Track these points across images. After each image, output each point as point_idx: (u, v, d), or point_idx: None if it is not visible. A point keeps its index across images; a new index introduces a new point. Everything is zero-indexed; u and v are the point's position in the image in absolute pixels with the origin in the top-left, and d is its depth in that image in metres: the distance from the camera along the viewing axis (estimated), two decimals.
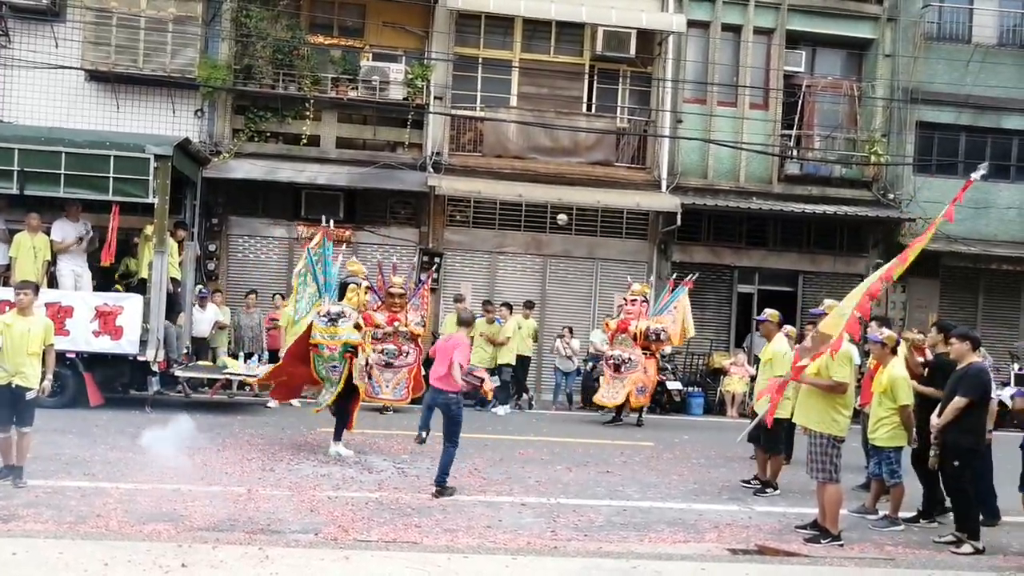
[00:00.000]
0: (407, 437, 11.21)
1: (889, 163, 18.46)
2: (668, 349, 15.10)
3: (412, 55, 17.51)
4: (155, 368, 12.56)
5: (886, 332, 8.75)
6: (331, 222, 12.14)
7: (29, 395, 7.78)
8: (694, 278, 15.36)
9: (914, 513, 8.63)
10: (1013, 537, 8.01)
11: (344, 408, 10.34)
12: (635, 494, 8.99)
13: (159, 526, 6.74)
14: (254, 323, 14.67)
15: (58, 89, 16.13)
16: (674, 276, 15.38)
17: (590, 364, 16.45)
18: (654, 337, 14.12)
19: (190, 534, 6.56)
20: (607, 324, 14.63)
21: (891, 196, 18.40)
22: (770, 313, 9.85)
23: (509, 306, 15.58)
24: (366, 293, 10.57)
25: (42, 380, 7.92)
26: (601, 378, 15.23)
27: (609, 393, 14.08)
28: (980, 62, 18.56)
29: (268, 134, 16.97)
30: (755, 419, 9.71)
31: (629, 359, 13.97)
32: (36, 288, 8.48)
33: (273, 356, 14.51)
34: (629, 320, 14.08)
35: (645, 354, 14.13)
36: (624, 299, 14.38)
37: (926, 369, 8.91)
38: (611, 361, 14.06)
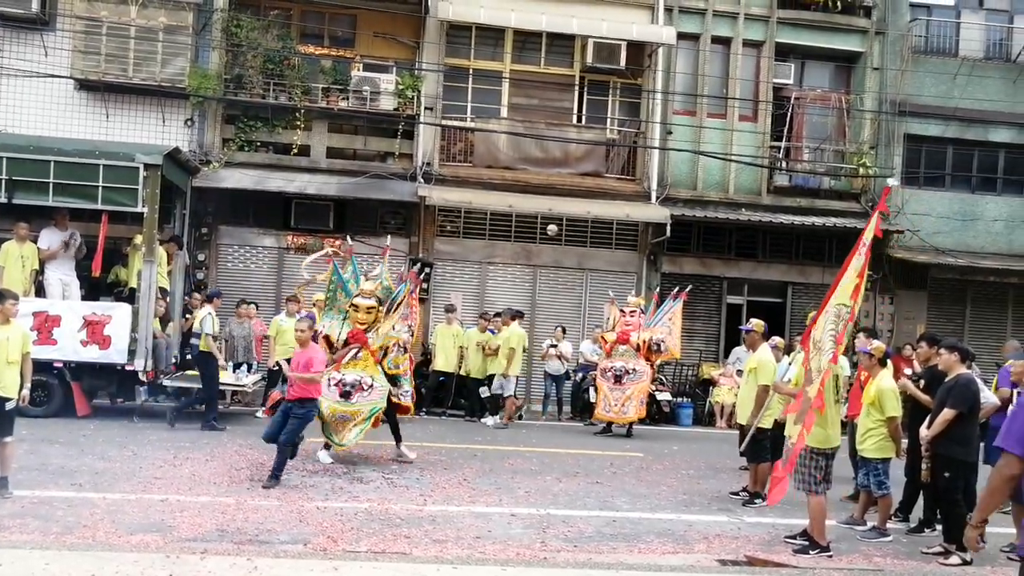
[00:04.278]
0: (395, 448, 11.19)
1: (877, 175, 18.55)
2: (657, 361, 15.12)
3: (403, 65, 17.54)
4: (143, 378, 12.50)
5: (875, 343, 8.80)
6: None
7: (8, 405, 7.69)
8: (688, 290, 15.39)
9: (915, 524, 8.69)
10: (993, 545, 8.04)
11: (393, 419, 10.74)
12: (625, 505, 8.99)
13: (147, 537, 6.70)
14: (246, 332, 14.60)
15: (47, 98, 16.08)
16: (675, 290, 15.35)
17: (579, 375, 16.44)
18: (656, 348, 14.17)
19: (178, 545, 6.52)
20: (603, 338, 14.62)
21: None
22: (755, 323, 9.91)
23: (500, 315, 15.54)
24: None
25: (21, 389, 7.83)
26: (592, 389, 15.26)
27: (611, 407, 14.01)
28: (967, 75, 18.72)
29: (258, 144, 16.95)
30: (742, 431, 9.78)
31: (634, 370, 13.97)
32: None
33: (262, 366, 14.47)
34: (629, 332, 14.07)
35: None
36: (621, 311, 14.39)
37: (920, 381, 8.96)
38: (610, 372, 14.04)
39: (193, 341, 13.56)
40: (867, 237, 7.37)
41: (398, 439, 10.65)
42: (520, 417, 15.84)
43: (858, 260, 7.33)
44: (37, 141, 13.17)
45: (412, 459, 10.52)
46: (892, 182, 7.31)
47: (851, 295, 7.32)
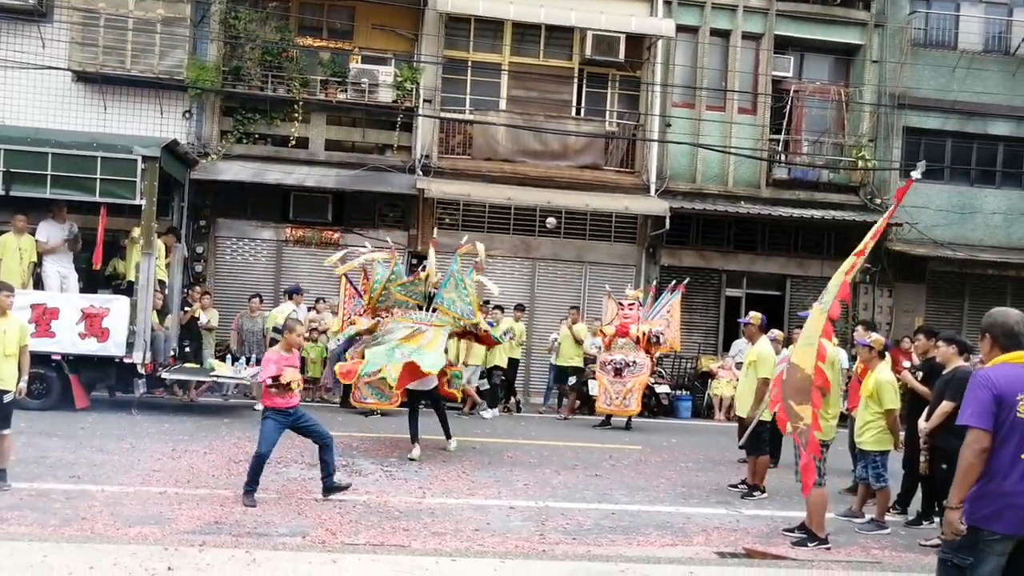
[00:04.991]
0: (394, 440, 11.22)
1: (876, 168, 18.57)
2: (656, 353, 15.13)
3: (401, 58, 17.50)
4: (142, 370, 12.49)
5: (873, 336, 8.79)
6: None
7: (6, 397, 7.68)
8: (686, 282, 15.37)
9: (913, 516, 8.70)
10: None
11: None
12: (623, 497, 8.99)
13: (145, 529, 6.70)
14: (256, 327, 14.61)
15: (45, 90, 16.04)
16: (673, 283, 15.32)
17: None
18: (655, 341, 14.18)
19: (176, 537, 6.52)
20: (602, 331, 14.63)
21: (878, 201, 18.49)
22: (752, 316, 9.88)
23: (501, 308, 15.55)
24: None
25: (18, 381, 7.82)
26: (591, 382, 15.27)
27: (612, 400, 14.01)
28: (966, 68, 18.71)
29: (256, 136, 16.91)
30: (740, 424, 9.78)
31: (634, 362, 13.97)
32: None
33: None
34: (628, 324, 14.08)
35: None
36: (620, 304, 14.39)
37: (918, 373, 8.96)
38: (610, 365, 14.04)
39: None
40: (877, 227, 7.30)
41: (416, 438, 10.65)
42: (519, 409, 15.86)
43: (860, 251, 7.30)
44: (35, 133, 13.12)
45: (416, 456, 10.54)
46: (916, 174, 7.10)
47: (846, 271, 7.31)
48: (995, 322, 4.50)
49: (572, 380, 15.61)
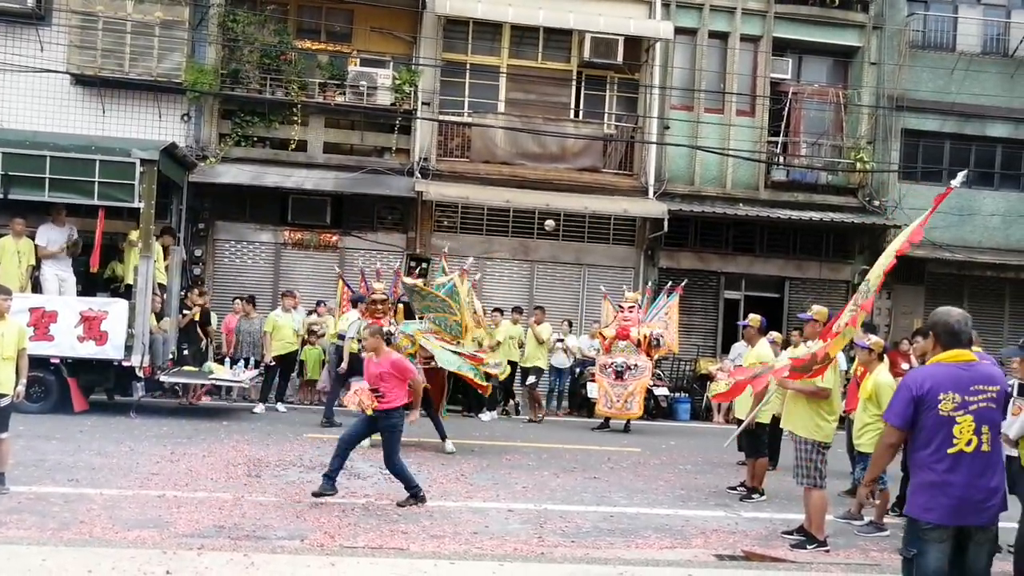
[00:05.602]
0: None
1: (874, 170, 18.58)
2: (655, 356, 15.14)
3: (400, 60, 17.51)
4: (140, 373, 12.48)
5: (872, 338, 8.79)
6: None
7: (4, 401, 7.67)
8: (683, 284, 15.38)
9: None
10: (1001, 541, 8.02)
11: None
12: (622, 500, 8.99)
13: (144, 532, 6.69)
14: (254, 329, 14.61)
15: (43, 93, 16.04)
16: (669, 284, 15.34)
17: (576, 370, 16.45)
18: (655, 343, 14.18)
19: (175, 540, 6.51)
20: (601, 334, 14.62)
21: (876, 203, 18.51)
22: (751, 318, 9.87)
23: (500, 311, 15.56)
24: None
25: (16, 385, 7.82)
26: (590, 384, 15.27)
27: (612, 403, 14.00)
28: (964, 70, 18.73)
29: (255, 139, 16.92)
30: (740, 425, 9.78)
31: (635, 365, 13.96)
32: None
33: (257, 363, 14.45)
34: (628, 327, 14.07)
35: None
36: (620, 306, 14.39)
37: None
38: (611, 368, 14.03)
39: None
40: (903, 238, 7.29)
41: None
42: (517, 412, 15.87)
43: (886, 259, 7.35)
44: (33, 136, 13.13)
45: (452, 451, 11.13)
46: (955, 183, 6.96)
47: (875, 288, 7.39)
48: (938, 320, 4.62)
49: (531, 380, 15.38)
